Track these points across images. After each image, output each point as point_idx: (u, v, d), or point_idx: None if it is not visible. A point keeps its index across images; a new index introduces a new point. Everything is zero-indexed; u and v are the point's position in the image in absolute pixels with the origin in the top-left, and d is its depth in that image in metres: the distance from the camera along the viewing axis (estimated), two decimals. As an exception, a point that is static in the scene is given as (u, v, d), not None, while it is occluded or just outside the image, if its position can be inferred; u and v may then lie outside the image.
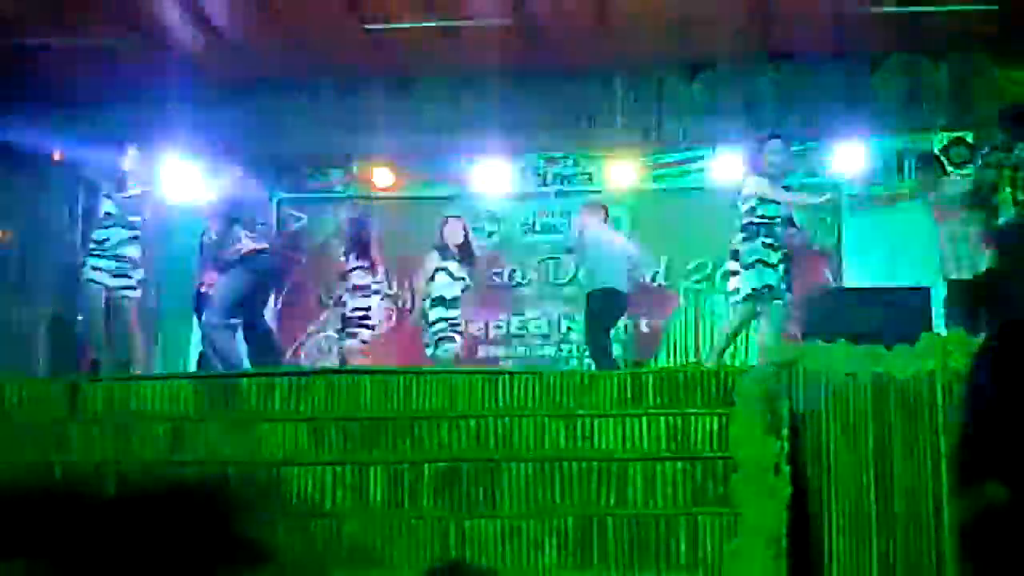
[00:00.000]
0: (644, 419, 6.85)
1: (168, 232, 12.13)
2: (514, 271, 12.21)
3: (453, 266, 10.23)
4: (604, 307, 10.02)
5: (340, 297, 10.58)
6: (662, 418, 6.85)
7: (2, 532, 1.44)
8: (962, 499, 0.91)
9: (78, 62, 10.99)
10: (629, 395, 7.07)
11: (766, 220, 8.71)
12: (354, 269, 10.51)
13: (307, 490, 6.74)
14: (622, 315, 10.51)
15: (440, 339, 10.05)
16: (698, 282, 11.89)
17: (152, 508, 1.43)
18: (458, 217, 10.67)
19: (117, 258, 9.03)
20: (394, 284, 12.23)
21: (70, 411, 7.48)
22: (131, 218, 9.14)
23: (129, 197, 9.18)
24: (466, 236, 10.46)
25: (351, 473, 6.77)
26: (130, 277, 9.08)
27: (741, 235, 8.80)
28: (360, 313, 10.45)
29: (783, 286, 8.73)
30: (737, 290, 8.91)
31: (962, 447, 0.93)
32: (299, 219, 11.59)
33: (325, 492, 6.73)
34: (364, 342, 10.52)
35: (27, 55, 10.73)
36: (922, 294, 7.45)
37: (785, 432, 6.32)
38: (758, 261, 8.62)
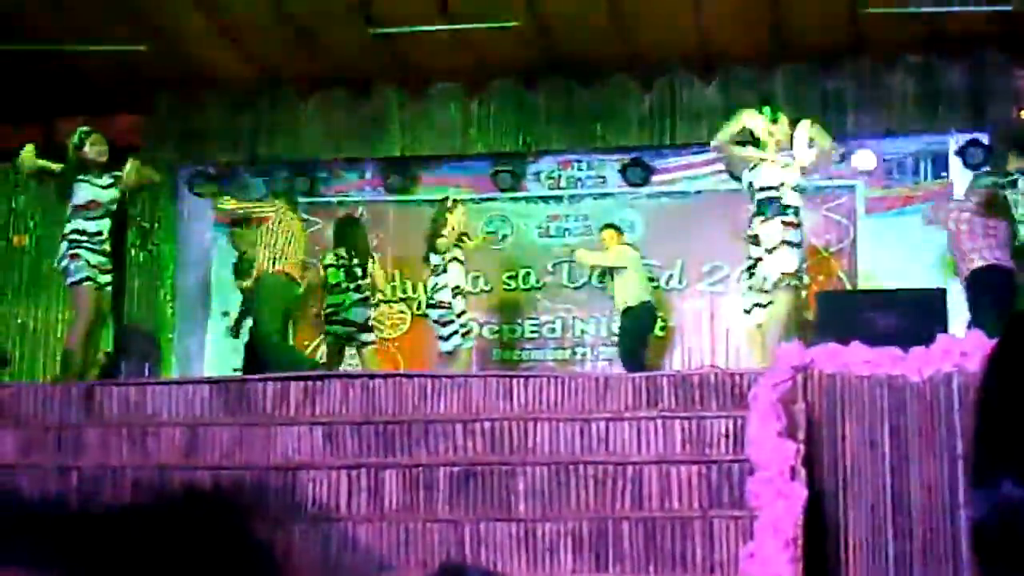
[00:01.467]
0: (659, 422, 6.84)
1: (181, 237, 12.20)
2: (528, 274, 12.21)
3: (433, 260, 10.11)
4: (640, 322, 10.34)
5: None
6: (677, 421, 6.83)
7: (18, 540, 1.43)
8: (977, 499, 0.91)
9: (94, 68, 11.04)
10: (644, 398, 7.06)
11: (794, 203, 8.49)
12: (328, 267, 10.36)
13: (322, 494, 6.74)
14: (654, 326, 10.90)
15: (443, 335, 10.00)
16: (713, 285, 11.87)
17: (167, 513, 1.42)
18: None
19: (104, 253, 8.94)
20: (409, 287, 12.24)
21: (86, 415, 7.50)
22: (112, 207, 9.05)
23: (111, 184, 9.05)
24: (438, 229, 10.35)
25: (366, 477, 6.77)
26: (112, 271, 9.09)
27: (769, 216, 8.55)
28: (328, 310, 10.28)
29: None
30: (784, 276, 8.33)
31: (977, 446, 0.92)
32: (314, 223, 11.59)
33: (340, 496, 6.73)
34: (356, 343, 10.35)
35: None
36: (938, 295, 7.43)
37: (801, 434, 6.31)
38: (790, 241, 8.36)
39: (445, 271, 9.91)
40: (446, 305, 9.85)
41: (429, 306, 10.09)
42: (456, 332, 9.88)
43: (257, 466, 6.83)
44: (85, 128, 9.12)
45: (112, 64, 11.02)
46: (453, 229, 9.97)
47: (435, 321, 9.98)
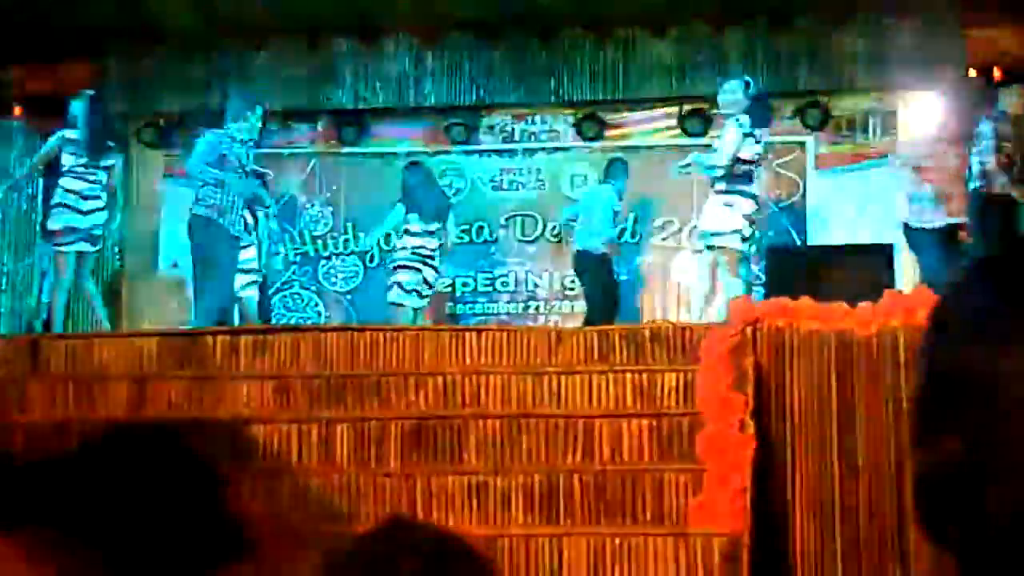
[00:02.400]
0: (610, 376, 6.87)
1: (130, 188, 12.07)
2: (481, 228, 12.20)
3: (415, 218, 10.13)
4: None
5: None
6: (628, 375, 6.87)
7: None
8: (920, 455, 0.92)
9: (44, 14, 10.86)
10: (596, 352, 7.09)
11: (747, 170, 8.70)
12: None
13: (272, 448, 6.73)
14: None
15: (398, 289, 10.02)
16: (665, 239, 11.91)
17: (115, 468, 1.41)
18: (418, 164, 10.70)
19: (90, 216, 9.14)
20: (361, 239, 12.19)
21: (31, 369, 7.43)
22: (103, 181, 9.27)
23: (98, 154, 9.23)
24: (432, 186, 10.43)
25: (317, 431, 6.76)
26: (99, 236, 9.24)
27: (735, 185, 8.66)
28: None
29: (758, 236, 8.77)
30: (728, 239, 8.69)
31: (920, 402, 0.93)
32: (265, 174, 11.50)
33: (291, 450, 6.72)
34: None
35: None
36: (886, 251, 7.49)
37: (750, 388, 6.36)
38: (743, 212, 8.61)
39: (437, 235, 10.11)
40: (435, 268, 10.07)
41: (423, 263, 10.08)
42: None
43: (207, 420, 6.80)
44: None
45: (63, 10, 10.84)
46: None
47: (425, 281, 10.05)
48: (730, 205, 8.61)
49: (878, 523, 6.15)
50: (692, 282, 9.07)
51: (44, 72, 10.27)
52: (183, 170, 9.98)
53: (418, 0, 10.95)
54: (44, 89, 10.99)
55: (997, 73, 10.42)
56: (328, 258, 12.30)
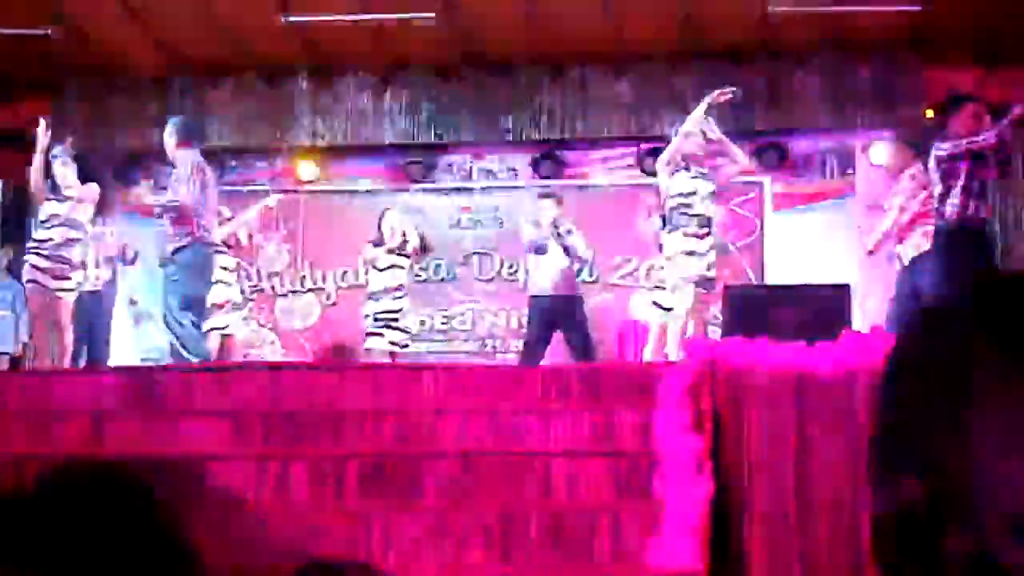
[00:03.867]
0: (568, 415, 6.87)
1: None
2: (439, 266, 12.20)
3: (390, 260, 10.14)
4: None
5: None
6: (586, 413, 6.87)
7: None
8: (876, 496, 0.93)
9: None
10: (553, 391, 7.09)
11: (691, 209, 8.76)
12: None
13: (229, 485, 6.67)
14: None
15: (369, 333, 10.01)
16: (622, 277, 11.95)
17: (72, 505, 1.40)
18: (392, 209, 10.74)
19: (58, 259, 9.01)
20: (319, 277, 12.17)
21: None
22: (77, 219, 9.12)
23: (73, 199, 9.18)
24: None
25: (274, 468, 6.71)
26: (68, 278, 9.07)
27: (673, 226, 8.77)
28: None
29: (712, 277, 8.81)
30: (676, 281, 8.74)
31: (877, 443, 0.94)
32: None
33: (247, 488, 6.66)
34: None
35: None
36: (843, 291, 7.55)
37: (708, 428, 6.37)
38: (692, 251, 8.65)
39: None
40: (401, 328, 10.08)
41: (386, 326, 10.06)
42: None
43: (163, 457, 6.74)
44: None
45: (19, 49, 10.79)
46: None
47: (391, 342, 10.01)
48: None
49: (836, 564, 6.16)
50: (648, 320, 9.08)
51: (3, 109, 10.20)
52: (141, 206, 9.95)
53: (376, 38, 10.98)
54: (3, 125, 10.95)
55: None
56: (285, 295, 12.26)
